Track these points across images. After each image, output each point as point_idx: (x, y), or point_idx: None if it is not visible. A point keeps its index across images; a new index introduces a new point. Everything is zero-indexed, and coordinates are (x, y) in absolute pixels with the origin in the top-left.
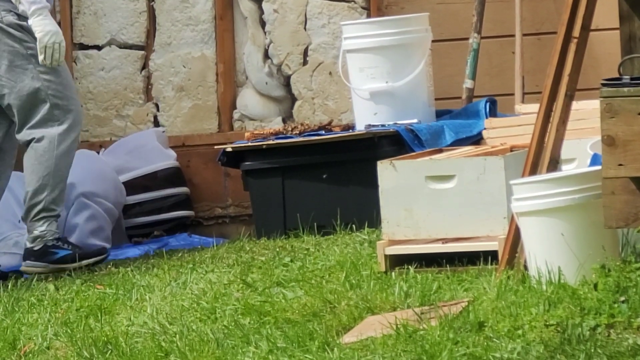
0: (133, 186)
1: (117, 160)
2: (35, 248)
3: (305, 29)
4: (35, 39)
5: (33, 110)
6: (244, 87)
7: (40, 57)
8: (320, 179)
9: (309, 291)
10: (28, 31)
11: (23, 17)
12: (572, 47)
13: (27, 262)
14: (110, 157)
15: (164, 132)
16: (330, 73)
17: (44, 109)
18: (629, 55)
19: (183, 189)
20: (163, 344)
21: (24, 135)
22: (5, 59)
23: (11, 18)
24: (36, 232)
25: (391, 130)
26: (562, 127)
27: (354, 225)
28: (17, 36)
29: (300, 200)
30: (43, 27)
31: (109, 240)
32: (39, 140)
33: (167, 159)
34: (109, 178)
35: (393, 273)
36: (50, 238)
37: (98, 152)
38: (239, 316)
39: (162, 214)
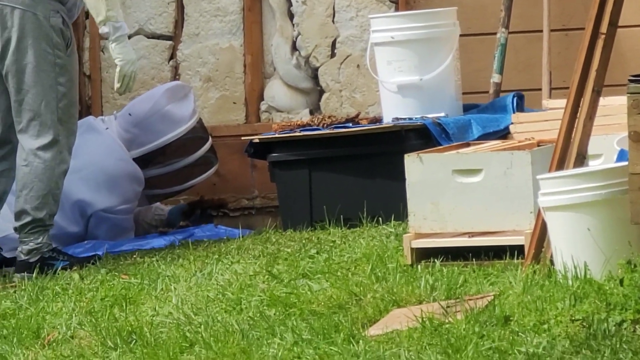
0: (146, 161)
1: (126, 133)
2: (31, 260)
3: (333, 21)
4: (67, 47)
5: (40, 118)
6: (272, 78)
7: (117, 85)
8: (347, 171)
9: (334, 283)
10: (65, 38)
11: (67, 24)
12: (600, 43)
13: (23, 274)
14: (120, 129)
15: (178, 83)
16: (358, 66)
17: (51, 121)
18: None
19: (200, 152)
20: (188, 334)
21: (26, 142)
22: (33, 58)
23: (58, 20)
24: (32, 245)
25: (418, 123)
26: (589, 122)
27: (380, 218)
28: (55, 42)
29: (327, 193)
30: (125, 55)
31: (132, 232)
32: (39, 157)
33: (179, 125)
34: (126, 177)
35: (419, 266)
36: (46, 250)
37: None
38: (265, 307)
39: (179, 186)
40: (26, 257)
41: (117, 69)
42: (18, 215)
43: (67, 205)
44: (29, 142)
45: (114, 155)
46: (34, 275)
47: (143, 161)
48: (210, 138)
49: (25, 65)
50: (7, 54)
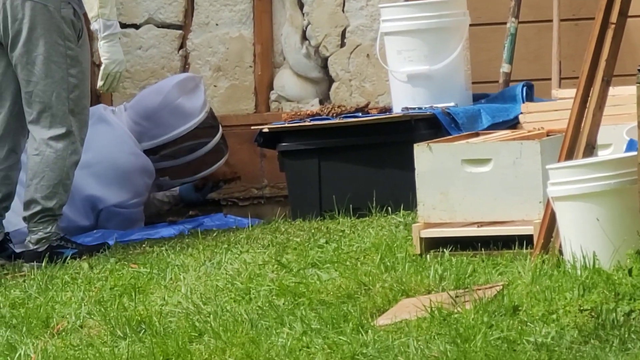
0: (156, 152)
1: (136, 126)
2: (40, 249)
3: (343, 10)
4: (79, 38)
5: (51, 110)
6: (281, 68)
7: (100, 83)
8: (356, 161)
9: (343, 273)
10: (76, 29)
11: (79, 14)
12: (610, 33)
13: (32, 264)
14: (130, 121)
15: (188, 75)
16: (367, 55)
17: (62, 112)
18: None
19: (211, 144)
20: (197, 323)
21: (38, 132)
22: (43, 50)
23: (69, 12)
24: (41, 234)
25: (428, 113)
26: (599, 112)
27: (389, 208)
28: (66, 33)
29: (336, 182)
30: (111, 54)
31: (142, 222)
32: (51, 146)
33: (190, 119)
34: (137, 171)
35: (428, 256)
36: (55, 239)
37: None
38: (274, 297)
39: (190, 177)
40: (35, 247)
41: (102, 67)
42: (27, 204)
43: (78, 200)
44: (40, 133)
45: (126, 149)
46: (43, 264)
47: (153, 152)
48: (221, 128)
49: (36, 57)
50: (18, 46)
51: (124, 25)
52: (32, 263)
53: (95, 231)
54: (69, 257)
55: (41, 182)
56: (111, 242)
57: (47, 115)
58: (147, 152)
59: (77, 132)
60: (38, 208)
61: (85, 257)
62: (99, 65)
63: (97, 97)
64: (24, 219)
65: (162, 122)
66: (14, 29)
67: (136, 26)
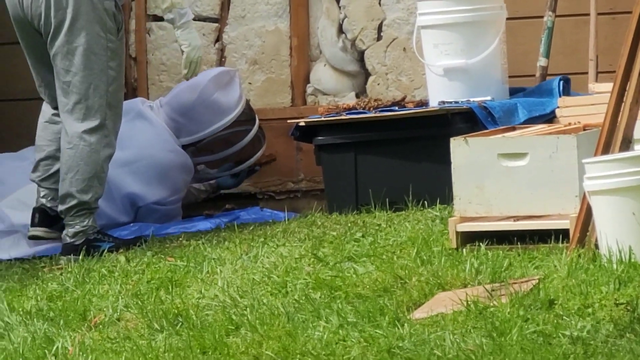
0: (194, 147)
1: (172, 122)
2: (77, 243)
3: (380, 4)
4: (118, 31)
5: (87, 102)
6: (318, 61)
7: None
8: (393, 154)
9: (380, 266)
10: (117, 22)
11: (119, 7)
12: None
13: (69, 257)
14: (167, 117)
15: (222, 69)
16: (404, 49)
17: (98, 105)
18: None
19: (249, 137)
20: (234, 317)
21: (71, 125)
22: (84, 41)
23: (111, 4)
24: (78, 227)
25: (464, 107)
26: (636, 106)
27: (425, 202)
28: (108, 25)
29: (373, 176)
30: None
31: (180, 217)
32: (85, 139)
33: (227, 114)
34: (176, 168)
35: (464, 250)
36: (91, 232)
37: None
38: (310, 290)
39: (229, 171)
40: (72, 240)
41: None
42: (63, 198)
43: (118, 198)
44: (74, 125)
45: (165, 146)
46: (80, 257)
47: (190, 145)
48: (257, 119)
49: (77, 47)
50: (60, 35)
51: (160, 19)
52: (69, 256)
53: (132, 224)
54: (105, 251)
55: (76, 176)
56: (147, 233)
57: (82, 107)
58: (184, 146)
59: (111, 125)
60: (74, 202)
61: (122, 250)
62: (135, 59)
63: (133, 90)
64: (60, 212)
65: (198, 118)
66: (57, 19)
67: None
